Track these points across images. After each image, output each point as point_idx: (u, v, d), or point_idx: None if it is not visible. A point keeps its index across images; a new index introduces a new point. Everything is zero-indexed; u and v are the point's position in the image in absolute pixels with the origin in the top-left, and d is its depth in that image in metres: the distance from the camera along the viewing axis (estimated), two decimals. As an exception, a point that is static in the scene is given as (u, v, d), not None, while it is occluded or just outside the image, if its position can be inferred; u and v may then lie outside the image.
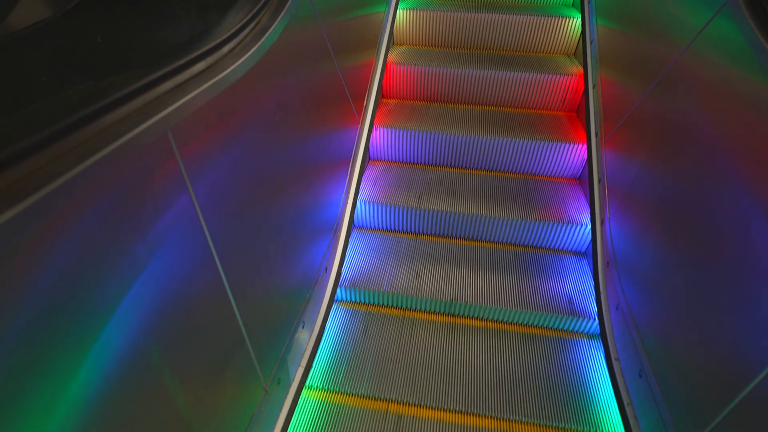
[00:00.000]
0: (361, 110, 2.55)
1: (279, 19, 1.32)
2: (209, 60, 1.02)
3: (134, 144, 0.75)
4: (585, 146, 2.70)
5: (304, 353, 1.95)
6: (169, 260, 0.89)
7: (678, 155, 1.60)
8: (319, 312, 2.11)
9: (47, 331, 0.64)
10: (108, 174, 0.70)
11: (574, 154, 2.73)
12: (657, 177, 1.73)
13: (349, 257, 2.46)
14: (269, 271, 1.47)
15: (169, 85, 0.87)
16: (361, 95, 2.56)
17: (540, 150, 2.74)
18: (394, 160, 2.94)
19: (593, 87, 2.64)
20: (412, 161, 2.93)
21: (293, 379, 1.82)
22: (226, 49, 1.09)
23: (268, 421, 1.57)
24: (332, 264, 2.23)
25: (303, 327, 1.86)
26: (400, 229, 2.67)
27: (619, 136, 2.16)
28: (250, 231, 1.29)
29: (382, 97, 3.19)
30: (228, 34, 1.12)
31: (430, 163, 2.92)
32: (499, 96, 3.09)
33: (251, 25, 1.22)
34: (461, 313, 2.33)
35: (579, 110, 3.01)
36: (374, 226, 2.69)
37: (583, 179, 2.73)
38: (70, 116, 0.69)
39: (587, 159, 2.58)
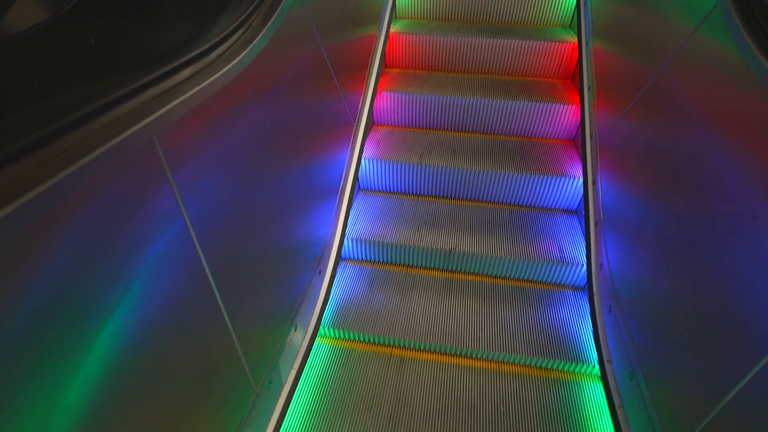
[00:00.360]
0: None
1: (270, 22, 1.25)
2: (197, 65, 0.96)
3: (118, 151, 0.71)
4: (578, 107, 2.66)
5: (297, 355, 1.86)
6: (156, 265, 0.85)
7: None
8: (312, 313, 2.01)
9: (36, 340, 0.62)
10: (91, 181, 0.67)
11: (568, 115, 2.70)
12: (650, 174, 1.64)
13: (353, 217, 2.48)
14: (261, 274, 1.40)
15: (155, 90, 0.83)
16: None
17: (536, 111, 2.72)
18: (396, 124, 2.94)
19: (588, 89, 2.56)
20: (413, 125, 2.92)
21: (285, 382, 1.75)
22: (214, 54, 1.03)
23: (258, 424, 1.52)
24: (326, 267, 2.14)
25: (296, 329, 1.78)
26: (402, 187, 2.68)
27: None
28: (240, 235, 1.23)
29: (385, 66, 3.15)
30: (217, 38, 1.05)
31: (431, 126, 2.91)
32: (498, 64, 3.05)
33: (241, 30, 1.16)
34: (458, 269, 2.38)
35: (573, 78, 2.95)
36: (378, 187, 2.71)
37: (577, 140, 2.70)
38: (52, 123, 0.66)
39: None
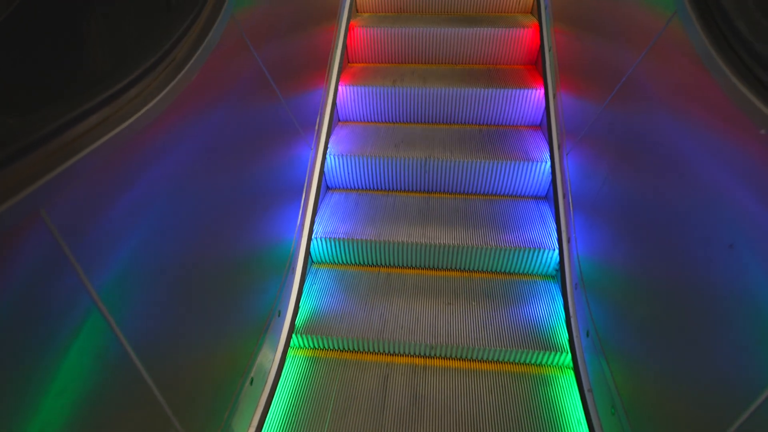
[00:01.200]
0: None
1: (199, 51, 0.95)
2: (106, 111, 0.71)
3: None
4: (537, 30, 2.49)
5: (255, 412, 1.44)
6: (57, 352, 0.64)
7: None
8: (273, 362, 1.58)
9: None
10: None
11: (528, 38, 2.53)
12: (621, 188, 1.36)
13: (334, 143, 2.28)
14: (199, 335, 1.07)
15: (43, 151, 0.60)
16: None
17: (498, 37, 2.55)
18: (370, 61, 2.71)
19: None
20: (385, 60, 2.70)
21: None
22: (132, 93, 0.76)
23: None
24: (287, 305, 1.70)
25: (251, 384, 1.39)
26: (378, 114, 2.48)
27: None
28: (170, 297, 0.93)
29: (356, 11, 2.80)
30: (133, 76, 0.78)
31: (402, 60, 2.69)
32: (459, 3, 2.79)
33: (165, 62, 0.86)
34: (433, 187, 2.28)
35: (533, 11, 2.70)
36: (355, 116, 2.50)
37: (538, 64, 2.49)
38: None
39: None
